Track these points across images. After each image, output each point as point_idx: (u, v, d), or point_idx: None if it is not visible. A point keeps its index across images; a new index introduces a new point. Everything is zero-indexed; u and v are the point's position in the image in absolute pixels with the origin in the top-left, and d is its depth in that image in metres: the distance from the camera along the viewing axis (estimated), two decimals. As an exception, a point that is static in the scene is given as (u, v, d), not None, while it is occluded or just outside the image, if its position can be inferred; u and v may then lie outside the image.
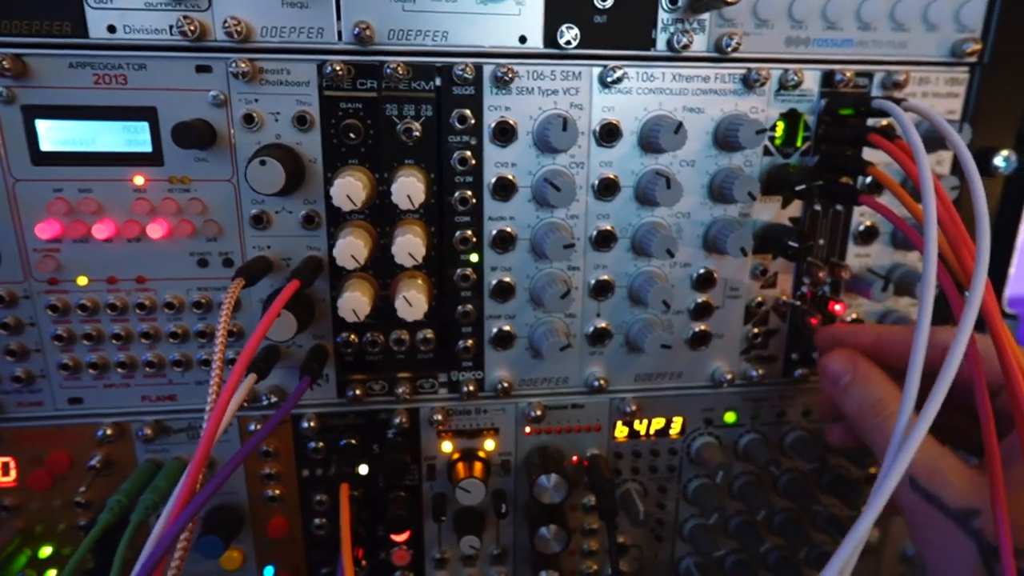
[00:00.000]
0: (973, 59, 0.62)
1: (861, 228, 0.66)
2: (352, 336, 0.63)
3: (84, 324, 0.59)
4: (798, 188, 0.59)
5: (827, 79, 0.62)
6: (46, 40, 0.53)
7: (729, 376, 0.68)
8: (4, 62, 0.52)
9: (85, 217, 0.57)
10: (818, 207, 0.65)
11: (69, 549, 0.65)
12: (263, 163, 0.52)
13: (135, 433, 0.63)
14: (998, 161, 0.64)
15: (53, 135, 0.55)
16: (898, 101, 0.55)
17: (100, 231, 0.57)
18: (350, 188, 0.54)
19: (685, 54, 0.59)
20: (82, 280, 0.58)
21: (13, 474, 0.63)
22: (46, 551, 0.65)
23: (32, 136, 0.55)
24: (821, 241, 0.66)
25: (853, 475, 0.73)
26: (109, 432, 0.62)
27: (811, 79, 0.61)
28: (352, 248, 0.55)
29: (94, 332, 0.59)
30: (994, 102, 0.64)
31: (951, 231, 0.50)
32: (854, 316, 0.69)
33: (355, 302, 0.56)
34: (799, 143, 0.63)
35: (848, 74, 0.61)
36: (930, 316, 0.44)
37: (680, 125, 0.57)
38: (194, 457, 0.45)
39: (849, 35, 0.61)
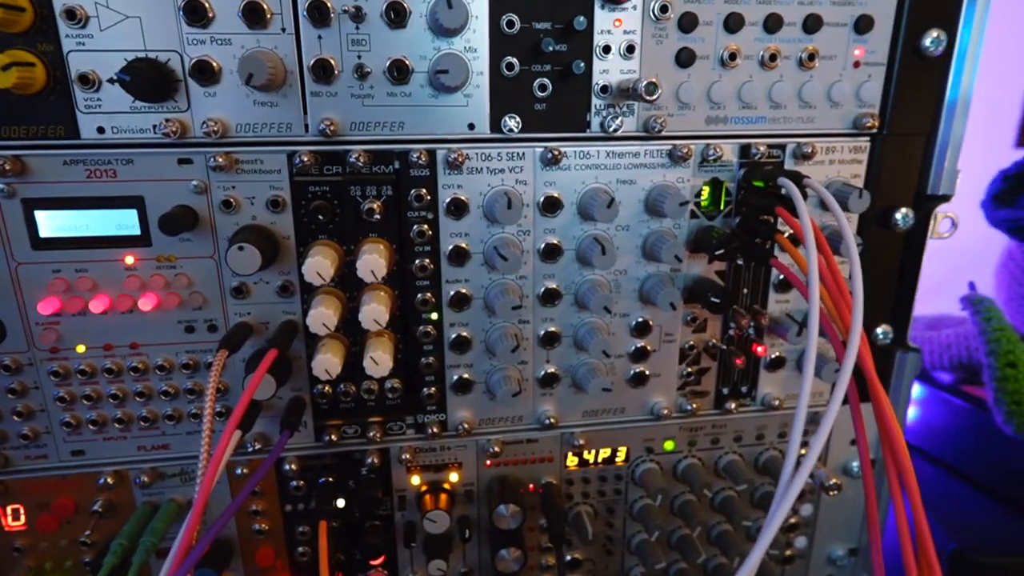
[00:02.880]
0: (873, 131, 0.69)
1: (780, 278, 0.73)
2: (327, 388, 0.69)
3: (84, 386, 0.65)
4: (717, 252, 0.67)
5: (744, 151, 0.68)
6: (42, 142, 0.58)
7: (666, 410, 0.75)
8: (5, 164, 0.57)
9: (82, 293, 0.62)
10: (741, 262, 0.72)
11: (76, 583, 0.72)
12: (241, 248, 0.58)
13: (133, 479, 0.69)
14: (898, 217, 0.72)
15: (51, 223, 0.60)
16: (799, 179, 0.62)
17: (96, 306, 0.62)
18: (319, 266, 0.60)
19: (617, 135, 0.65)
20: (81, 348, 0.64)
21: (23, 519, 0.69)
22: (55, 585, 0.71)
23: (32, 224, 0.60)
24: (745, 290, 0.73)
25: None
26: (110, 480, 0.68)
27: (730, 151, 0.68)
28: (323, 317, 0.61)
29: (93, 393, 0.65)
30: (893, 166, 0.71)
31: (832, 287, 0.57)
32: (776, 354, 0.76)
33: (327, 363, 0.63)
34: (723, 207, 0.70)
35: (762, 147, 0.68)
36: (814, 357, 0.52)
37: (612, 200, 0.64)
38: (192, 511, 0.51)
39: (762, 113, 0.68)
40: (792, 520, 0.85)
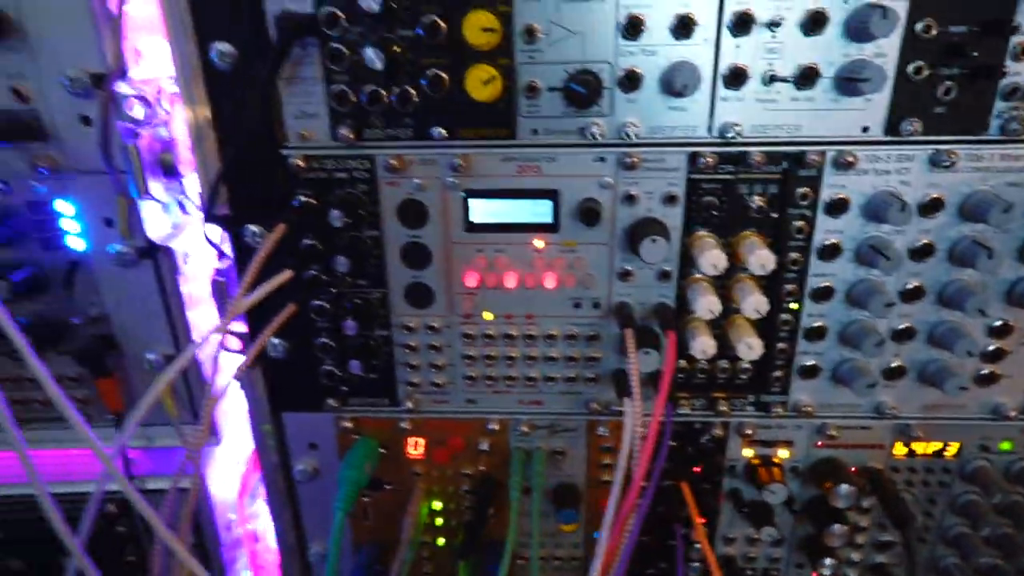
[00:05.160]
0: None
1: None
2: (685, 363, 0.74)
3: (485, 348, 0.75)
4: (1121, 260, 0.62)
5: None
6: (488, 142, 0.66)
7: (1013, 412, 0.73)
8: (461, 161, 0.66)
9: (498, 270, 0.71)
10: None
11: (454, 505, 0.84)
12: (654, 240, 0.64)
13: (512, 428, 0.79)
14: None
15: (481, 210, 0.69)
16: None
17: (508, 281, 0.71)
18: (716, 259, 0.64)
19: (1018, 137, 0.62)
20: (488, 316, 0.73)
21: (421, 449, 0.81)
22: (437, 504, 0.84)
23: (466, 211, 0.69)
24: (1124, 297, 0.68)
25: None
26: (496, 427, 0.78)
27: None
28: (711, 304, 0.66)
29: (492, 354, 0.75)
30: None
31: None
32: None
33: (706, 344, 0.67)
34: (1115, 211, 0.65)
35: None
36: None
37: (1011, 206, 0.62)
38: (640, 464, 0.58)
39: None
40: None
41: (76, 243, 0.70)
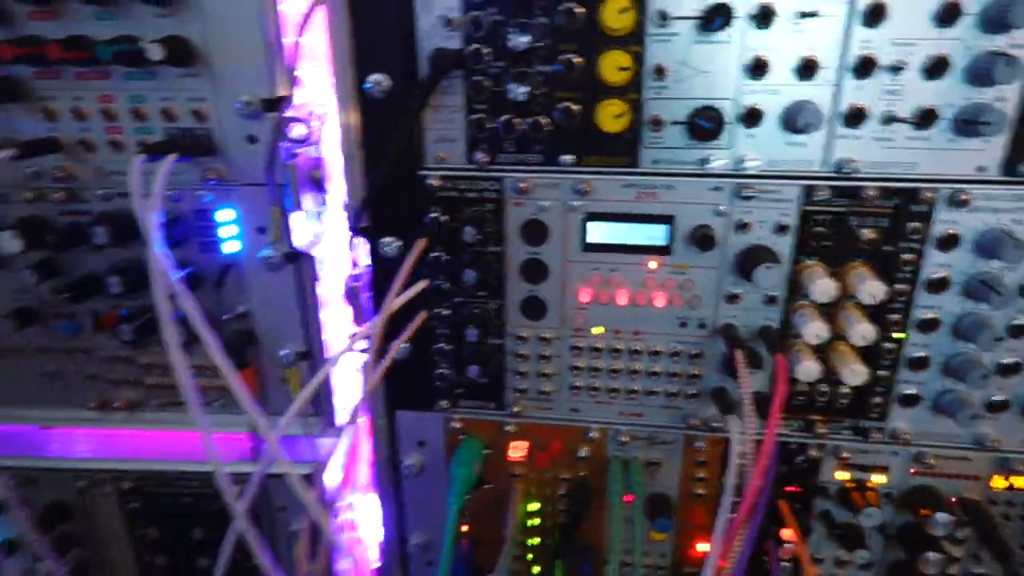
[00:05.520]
0: None
1: None
2: (784, 386, 0.77)
3: (592, 360, 0.79)
4: None
5: None
6: (610, 170, 0.71)
7: (1120, 451, 0.73)
8: (585, 186, 0.71)
9: (610, 288, 0.75)
10: None
11: (549, 507, 0.88)
12: (768, 267, 0.67)
13: (611, 437, 0.83)
14: None
15: (597, 231, 0.73)
16: None
17: (620, 298, 0.75)
18: (828, 287, 0.67)
19: None
20: (597, 330, 0.78)
21: (523, 452, 0.85)
22: (533, 506, 0.88)
23: (583, 232, 0.74)
24: None
25: None
26: (596, 435, 0.82)
27: None
28: (819, 330, 0.68)
29: (598, 366, 0.79)
30: None
31: None
32: None
33: (811, 368, 0.70)
34: None
35: None
36: None
37: None
38: (757, 471, 0.62)
39: None
40: None
41: (231, 247, 0.78)
